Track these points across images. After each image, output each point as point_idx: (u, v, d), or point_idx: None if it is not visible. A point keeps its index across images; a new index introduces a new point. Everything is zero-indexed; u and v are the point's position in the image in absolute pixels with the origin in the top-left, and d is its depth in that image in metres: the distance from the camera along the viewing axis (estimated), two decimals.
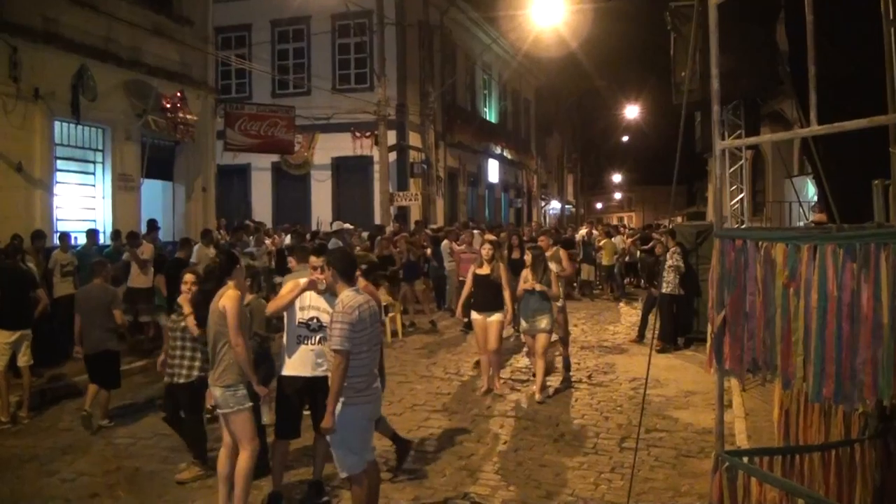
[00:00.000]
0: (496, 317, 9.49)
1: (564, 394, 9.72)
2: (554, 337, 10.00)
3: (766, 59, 10.83)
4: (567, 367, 10.64)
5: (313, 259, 5.81)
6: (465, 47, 30.45)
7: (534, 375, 9.85)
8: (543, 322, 9.30)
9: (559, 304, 9.99)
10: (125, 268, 12.33)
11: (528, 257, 9.55)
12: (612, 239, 19.56)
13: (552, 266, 9.86)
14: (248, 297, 5.84)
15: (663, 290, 12.50)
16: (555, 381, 10.25)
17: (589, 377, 10.70)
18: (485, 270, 9.59)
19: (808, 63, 3.94)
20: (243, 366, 5.50)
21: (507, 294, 9.46)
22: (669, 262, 12.41)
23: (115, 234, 13.59)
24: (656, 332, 12.97)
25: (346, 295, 5.09)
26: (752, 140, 11.98)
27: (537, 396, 9.21)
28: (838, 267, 3.39)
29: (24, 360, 8.85)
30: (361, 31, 23.83)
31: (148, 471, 6.91)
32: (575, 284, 20.56)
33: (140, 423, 8.52)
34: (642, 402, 6.49)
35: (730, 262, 3.94)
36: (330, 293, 5.65)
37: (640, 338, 13.27)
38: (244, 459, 5.44)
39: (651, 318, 13.34)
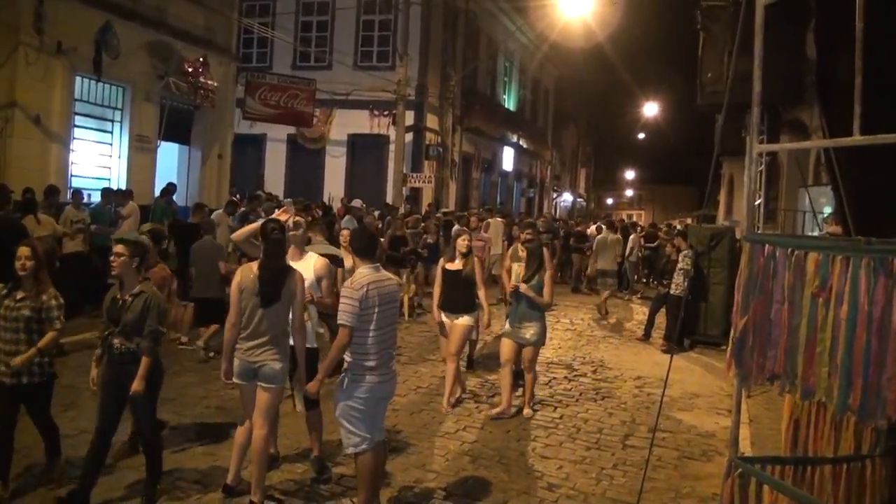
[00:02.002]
0: (464, 319, 8.34)
1: (568, 388, 9.68)
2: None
3: (792, 66, 10.74)
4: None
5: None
6: (489, 33, 30.28)
7: (484, 402, 8.69)
8: (530, 332, 7.99)
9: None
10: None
11: (523, 252, 8.48)
12: (629, 237, 19.47)
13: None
14: (141, 285, 5.36)
15: (671, 292, 12.46)
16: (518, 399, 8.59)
17: (594, 371, 10.67)
18: (456, 266, 8.41)
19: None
20: (303, 345, 5.58)
21: (482, 293, 8.45)
22: (680, 265, 12.36)
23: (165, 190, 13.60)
24: (664, 331, 13.11)
25: (360, 272, 5.13)
26: (791, 146, 11.93)
27: (526, 411, 8.17)
28: (871, 281, 3.34)
29: None
30: (387, 9, 23.73)
31: None
32: (583, 278, 20.54)
33: None
34: (660, 402, 6.47)
35: (758, 267, 3.89)
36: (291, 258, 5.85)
37: (646, 336, 13.24)
38: (263, 439, 5.38)
39: (658, 317, 13.34)
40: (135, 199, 13.17)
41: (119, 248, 5.31)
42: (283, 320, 5.42)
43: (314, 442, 6.18)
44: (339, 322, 4.99)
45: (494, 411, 8.05)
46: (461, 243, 8.47)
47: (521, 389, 8.51)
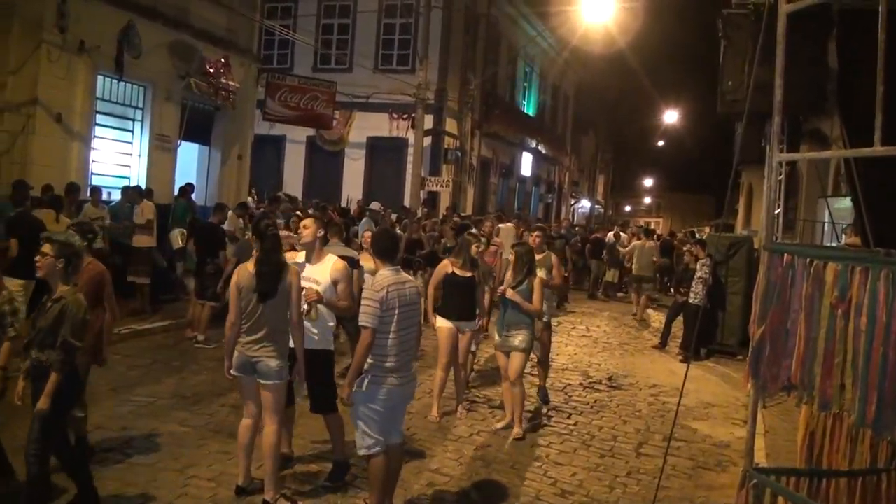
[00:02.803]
0: (472, 328, 8.28)
1: (583, 395, 9.65)
2: (533, 358, 8.48)
3: (813, 75, 10.67)
4: (544, 398, 8.88)
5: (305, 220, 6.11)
6: (510, 38, 30.26)
7: (498, 407, 8.38)
8: (518, 338, 7.56)
9: (544, 319, 8.44)
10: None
11: (511, 255, 8.10)
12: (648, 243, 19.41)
13: (539, 272, 7.96)
14: (63, 289, 4.80)
15: (689, 301, 12.39)
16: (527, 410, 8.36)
17: (609, 379, 10.63)
18: (468, 272, 8.08)
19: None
20: (301, 340, 5.55)
21: (486, 297, 8.40)
22: (698, 274, 12.30)
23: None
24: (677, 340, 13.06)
25: (381, 274, 5.17)
26: (811, 155, 11.82)
27: (516, 430, 7.58)
28: (890, 293, 3.31)
29: None
30: (408, 13, 23.75)
31: (165, 432, 6.94)
32: (600, 284, 20.50)
33: (161, 384, 8.58)
34: (675, 411, 6.43)
35: (776, 276, 3.86)
36: (308, 260, 5.92)
37: (663, 344, 13.18)
38: (273, 434, 5.40)
39: (675, 326, 13.28)
40: (154, 199, 13.25)
41: (46, 247, 4.90)
42: (282, 317, 5.42)
43: (334, 444, 6.15)
44: (360, 324, 5.01)
45: (498, 425, 7.87)
46: (475, 250, 8.25)
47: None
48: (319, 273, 5.86)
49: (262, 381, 5.40)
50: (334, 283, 5.86)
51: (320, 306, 5.81)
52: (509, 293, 7.54)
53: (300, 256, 6.06)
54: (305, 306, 5.72)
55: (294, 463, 6.32)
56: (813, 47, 10.19)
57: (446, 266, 8.20)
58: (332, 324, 6.10)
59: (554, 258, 8.68)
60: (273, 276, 5.37)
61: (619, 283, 20.97)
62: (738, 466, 6.17)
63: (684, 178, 65.56)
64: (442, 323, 8.09)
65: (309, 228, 5.93)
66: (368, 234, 9.45)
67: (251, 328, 5.38)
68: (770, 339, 3.87)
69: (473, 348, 9.15)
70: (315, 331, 5.85)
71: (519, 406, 7.67)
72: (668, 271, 20.62)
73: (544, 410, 8.66)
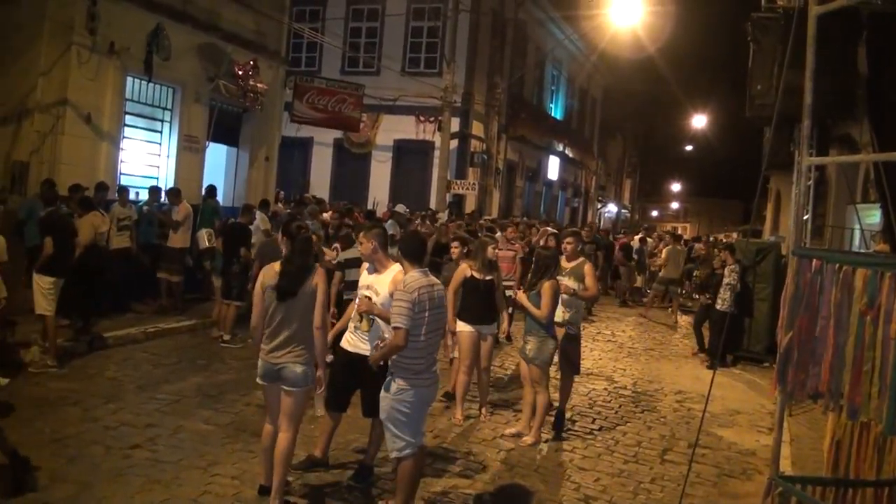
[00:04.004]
0: (493, 331, 8.23)
1: (608, 400, 9.60)
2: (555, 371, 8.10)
3: (843, 79, 10.57)
4: (557, 424, 7.91)
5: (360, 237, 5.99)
6: (538, 41, 30.21)
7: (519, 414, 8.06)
8: (528, 347, 7.34)
9: (570, 331, 7.75)
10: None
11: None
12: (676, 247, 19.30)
13: (565, 281, 7.58)
14: None
15: (717, 307, 12.28)
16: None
17: (634, 384, 10.56)
18: (487, 276, 7.97)
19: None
20: (322, 346, 5.50)
21: (498, 296, 8.27)
22: (726, 280, 12.18)
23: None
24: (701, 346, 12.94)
25: (411, 275, 5.18)
26: (840, 159, 11.72)
27: (527, 439, 7.41)
28: None
29: None
30: (435, 16, 23.80)
31: (190, 429, 6.99)
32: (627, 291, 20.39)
33: (186, 382, 8.64)
34: (701, 418, 6.37)
35: (805, 282, 3.82)
36: (372, 270, 5.86)
37: (701, 350, 12.91)
38: (288, 441, 5.36)
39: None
40: (183, 199, 13.37)
41: None
42: (306, 321, 5.36)
43: (371, 447, 6.15)
44: (393, 325, 5.01)
45: (508, 431, 7.68)
46: (491, 252, 8.16)
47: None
48: (380, 283, 5.76)
49: (284, 388, 5.36)
50: (392, 294, 5.63)
51: (378, 319, 5.73)
52: (519, 296, 7.43)
53: (367, 265, 6.00)
54: (358, 316, 5.76)
55: (327, 468, 6.29)
56: (843, 51, 10.10)
57: (465, 270, 8.09)
58: (388, 335, 6.05)
59: (588, 266, 7.89)
60: (296, 277, 5.35)
61: (646, 287, 20.89)
62: (764, 475, 6.10)
63: (712, 183, 65.20)
64: (462, 327, 8.00)
65: (363, 243, 5.87)
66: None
67: (272, 332, 5.35)
68: (797, 346, 3.83)
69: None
70: (366, 338, 5.83)
71: (531, 414, 7.51)
72: (689, 276, 20.51)
73: (558, 432, 7.93)
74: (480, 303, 8.02)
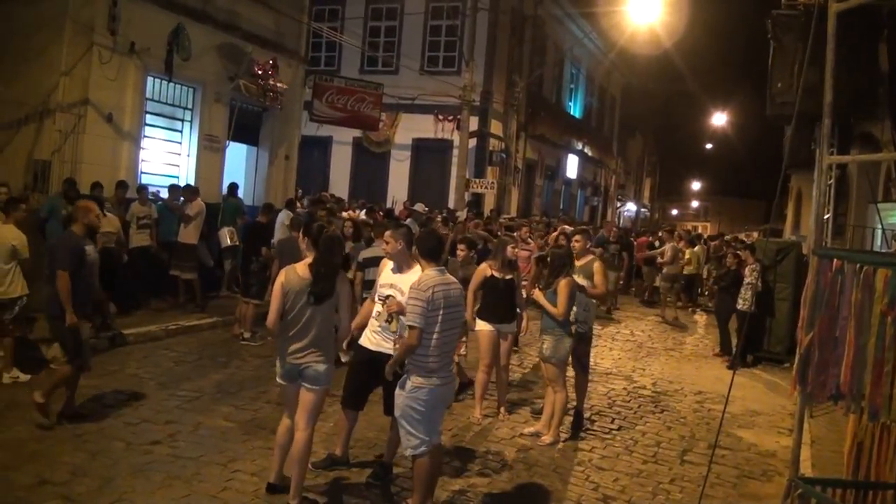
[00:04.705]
0: (513, 330, 8.25)
1: (627, 399, 9.57)
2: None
3: (864, 77, 10.49)
4: (575, 424, 7.99)
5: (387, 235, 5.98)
6: (557, 39, 30.14)
7: (536, 414, 8.18)
8: (544, 345, 7.34)
9: (580, 329, 7.61)
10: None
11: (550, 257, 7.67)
12: (694, 248, 19.20)
13: (578, 278, 7.54)
14: None
15: (738, 307, 12.21)
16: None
17: (653, 384, 10.52)
18: (507, 275, 8.00)
19: None
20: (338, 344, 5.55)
21: (521, 300, 8.31)
22: (747, 279, 12.10)
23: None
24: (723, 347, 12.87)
25: (427, 274, 5.19)
26: (862, 157, 11.62)
27: (546, 438, 7.42)
28: None
29: None
30: (454, 15, 23.79)
31: (210, 426, 7.04)
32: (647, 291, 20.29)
33: (206, 379, 8.70)
34: (721, 418, 6.34)
35: (825, 282, 3.80)
36: (397, 269, 5.86)
37: (728, 353, 12.75)
38: (305, 440, 5.38)
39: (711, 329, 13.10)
40: (202, 198, 13.45)
41: None
42: (330, 321, 5.42)
43: (390, 445, 6.15)
44: (407, 323, 5.05)
45: (527, 430, 7.71)
46: (511, 251, 8.14)
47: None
48: (406, 283, 5.70)
49: (306, 385, 5.38)
50: None
51: (402, 317, 5.69)
52: (535, 294, 7.42)
53: (389, 265, 6.01)
54: (387, 316, 5.77)
55: (347, 467, 6.32)
56: (864, 49, 10.03)
57: (485, 269, 8.08)
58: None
59: (597, 264, 7.93)
60: (330, 278, 5.37)
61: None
62: (784, 476, 6.09)
63: (732, 181, 64.92)
64: (482, 326, 7.99)
65: (389, 242, 5.87)
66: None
67: (298, 334, 5.34)
68: (818, 347, 3.81)
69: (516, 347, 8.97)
70: (392, 338, 5.82)
71: (550, 412, 7.52)
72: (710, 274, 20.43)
73: (587, 415, 8.36)
74: (500, 302, 8.02)
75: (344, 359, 7.70)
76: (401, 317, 5.64)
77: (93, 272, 6.95)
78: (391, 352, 5.66)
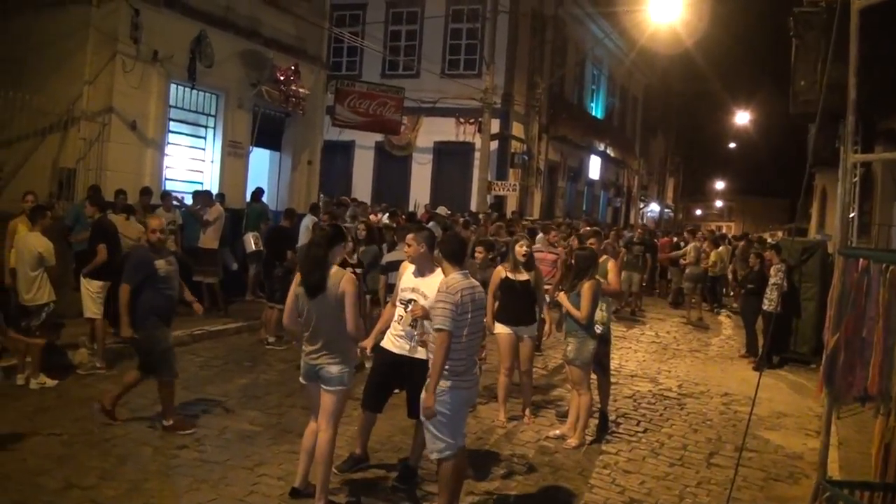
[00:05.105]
0: (531, 333, 8.06)
1: (652, 402, 9.52)
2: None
3: (888, 74, 10.37)
4: (601, 426, 7.94)
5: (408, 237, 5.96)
6: (577, 40, 30.09)
7: (561, 417, 8.19)
8: (568, 347, 7.33)
9: (598, 329, 7.49)
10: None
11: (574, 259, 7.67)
12: (718, 249, 19.04)
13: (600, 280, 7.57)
14: None
15: (764, 307, 12.11)
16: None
17: (679, 386, 10.45)
18: (521, 276, 7.91)
19: None
20: (352, 346, 5.55)
21: (544, 304, 8.20)
22: (773, 280, 12.00)
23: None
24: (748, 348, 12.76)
25: (452, 277, 5.16)
26: (886, 156, 11.49)
27: (571, 441, 7.39)
28: None
29: None
30: (474, 18, 23.84)
31: (236, 430, 7.09)
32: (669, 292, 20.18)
33: (232, 383, 8.77)
34: (748, 421, 6.29)
35: (851, 282, 3.76)
36: (419, 273, 5.85)
37: (755, 354, 12.60)
38: (327, 441, 5.40)
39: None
40: (226, 203, 13.55)
41: None
42: (337, 322, 5.37)
43: (415, 448, 6.13)
44: (436, 327, 4.99)
45: (552, 433, 7.67)
46: (519, 251, 7.95)
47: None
48: (428, 286, 5.73)
49: (322, 387, 5.43)
50: None
51: (427, 322, 5.63)
52: (560, 297, 7.42)
53: (410, 269, 6.00)
54: (411, 321, 5.74)
55: (367, 466, 6.35)
56: (887, 45, 9.92)
57: (500, 271, 8.04)
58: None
59: (611, 263, 8.12)
60: (316, 270, 5.36)
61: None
62: (811, 479, 6.02)
63: (757, 180, 64.40)
64: (500, 329, 7.93)
65: (412, 245, 5.85)
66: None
67: (311, 336, 5.42)
68: (844, 348, 3.77)
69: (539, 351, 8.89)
70: (412, 344, 5.85)
71: (575, 415, 7.48)
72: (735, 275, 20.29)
73: (612, 417, 8.32)
74: (517, 303, 7.93)
75: (368, 364, 7.70)
76: (425, 321, 5.66)
77: (170, 284, 7.05)
78: (412, 354, 5.68)
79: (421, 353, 5.73)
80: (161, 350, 6.99)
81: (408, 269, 6.03)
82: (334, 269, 5.46)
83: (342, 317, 5.35)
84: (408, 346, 5.85)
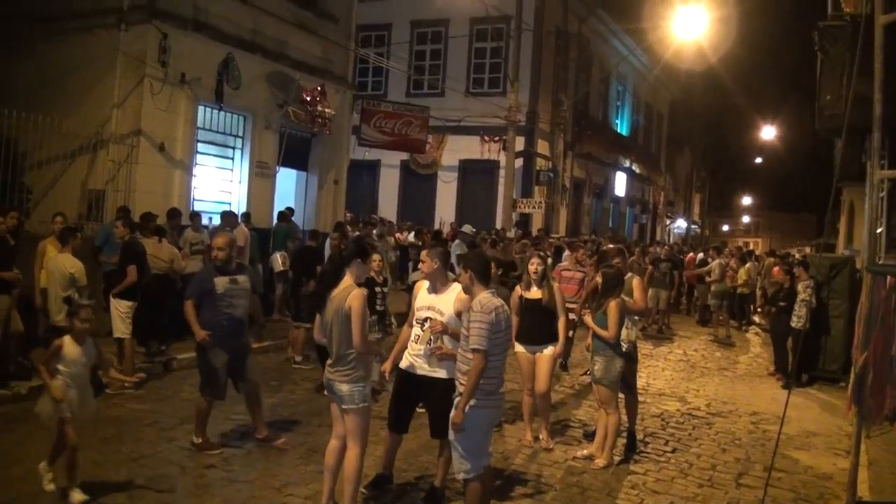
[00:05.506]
0: (548, 351, 7.75)
1: (681, 421, 9.43)
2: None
3: None
4: (629, 446, 7.87)
5: (422, 255, 6.04)
6: (602, 57, 30.12)
7: (589, 437, 8.05)
8: (595, 367, 7.30)
9: (624, 347, 7.38)
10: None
11: (599, 277, 7.59)
12: (746, 265, 18.88)
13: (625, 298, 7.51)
14: None
15: (792, 325, 11.95)
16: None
17: (707, 405, 10.35)
18: (535, 294, 7.76)
19: None
20: (368, 364, 5.55)
21: (561, 322, 7.81)
22: (801, 296, 11.86)
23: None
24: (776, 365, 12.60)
25: (484, 296, 5.14)
26: None
27: (599, 461, 7.29)
28: None
29: None
30: (499, 36, 23.95)
31: (264, 449, 7.11)
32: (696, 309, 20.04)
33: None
34: (777, 440, 6.20)
35: (880, 299, 3.74)
36: (433, 289, 5.90)
37: (784, 373, 12.40)
38: (353, 459, 5.40)
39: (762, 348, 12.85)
40: (253, 223, 13.66)
41: None
42: (346, 337, 5.35)
43: (441, 468, 6.09)
44: (473, 347, 4.96)
45: (580, 453, 7.58)
46: (531, 269, 7.84)
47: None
48: (443, 303, 5.77)
49: (338, 404, 5.47)
50: (457, 314, 5.65)
51: (446, 337, 5.70)
52: (586, 317, 7.39)
53: (425, 286, 6.01)
54: (429, 337, 5.75)
55: (392, 486, 6.34)
56: None
57: (518, 290, 7.95)
58: (449, 346, 5.91)
59: (636, 280, 8.00)
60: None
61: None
62: (841, 499, 5.96)
63: (784, 196, 63.96)
64: (518, 348, 7.80)
65: (425, 262, 5.88)
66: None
67: (331, 349, 5.49)
68: (873, 366, 3.74)
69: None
70: (424, 360, 5.86)
71: (603, 435, 7.39)
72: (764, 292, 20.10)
73: (640, 436, 8.22)
74: (531, 322, 7.79)
75: (389, 387, 7.63)
76: (444, 336, 5.67)
77: (231, 303, 7.05)
78: (432, 374, 5.68)
79: (440, 373, 5.74)
80: (206, 370, 7.05)
81: (422, 287, 6.03)
82: (344, 284, 5.45)
83: (350, 332, 5.35)
84: (427, 366, 5.84)
